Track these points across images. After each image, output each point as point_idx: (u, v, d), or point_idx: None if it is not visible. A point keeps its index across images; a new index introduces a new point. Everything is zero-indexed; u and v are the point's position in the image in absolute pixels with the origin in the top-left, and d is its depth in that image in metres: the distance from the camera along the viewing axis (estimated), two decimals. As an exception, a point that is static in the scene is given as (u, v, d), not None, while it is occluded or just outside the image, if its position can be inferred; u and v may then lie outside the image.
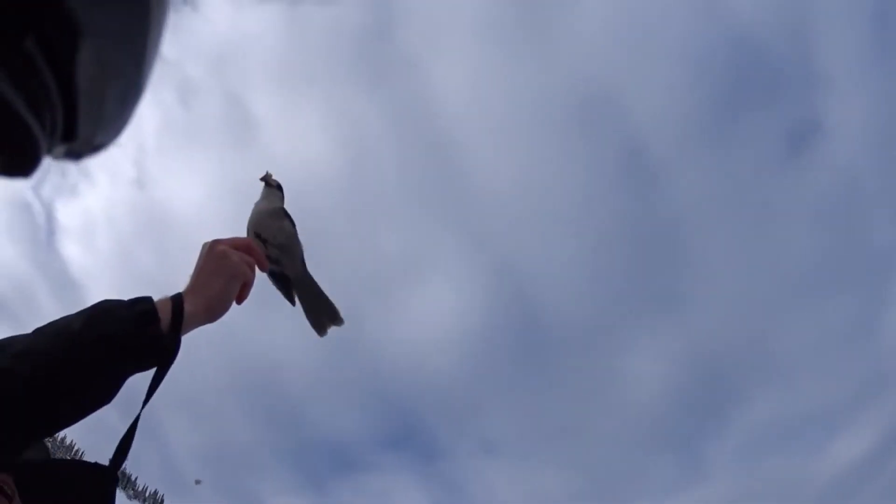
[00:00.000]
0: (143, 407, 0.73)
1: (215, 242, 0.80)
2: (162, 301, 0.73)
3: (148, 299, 0.72)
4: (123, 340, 0.67)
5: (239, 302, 0.81)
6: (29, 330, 0.67)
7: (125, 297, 0.72)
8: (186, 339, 0.75)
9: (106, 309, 0.69)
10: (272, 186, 1.04)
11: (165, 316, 0.71)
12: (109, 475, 0.68)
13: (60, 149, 0.21)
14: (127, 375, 0.69)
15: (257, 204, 1.02)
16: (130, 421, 0.73)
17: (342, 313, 1.01)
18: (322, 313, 1.01)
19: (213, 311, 0.77)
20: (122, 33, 0.21)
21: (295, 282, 1.01)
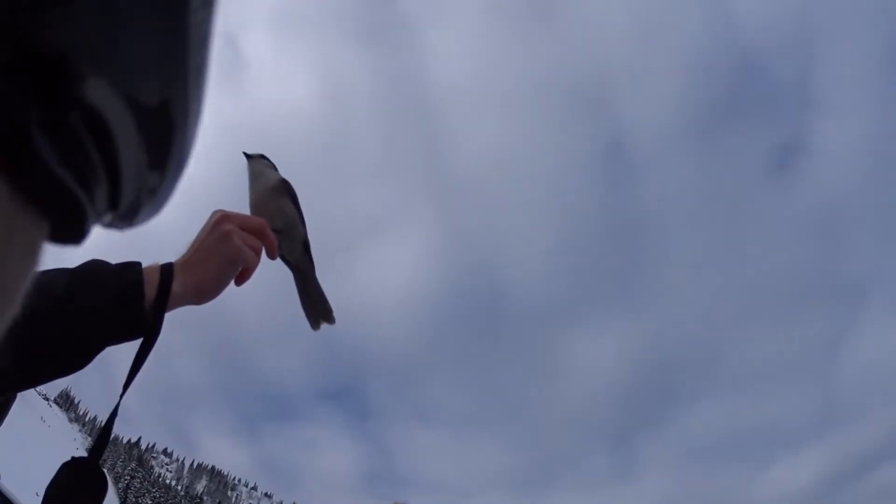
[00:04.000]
0: (123, 391, 0.67)
1: (224, 218, 0.72)
2: (151, 270, 0.67)
3: (136, 268, 0.66)
4: (104, 313, 0.62)
5: (237, 285, 0.75)
6: None
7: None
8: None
9: (92, 274, 0.64)
10: (255, 157, 0.95)
11: (151, 290, 0.65)
12: (91, 468, 0.61)
13: (107, 217, 0.21)
14: (103, 347, 0.64)
15: (253, 179, 0.93)
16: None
17: (335, 312, 0.96)
18: (314, 307, 0.95)
19: (202, 295, 0.71)
20: (161, 106, 0.22)
21: (293, 267, 0.95)
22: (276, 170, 0.96)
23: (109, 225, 0.22)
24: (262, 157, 0.96)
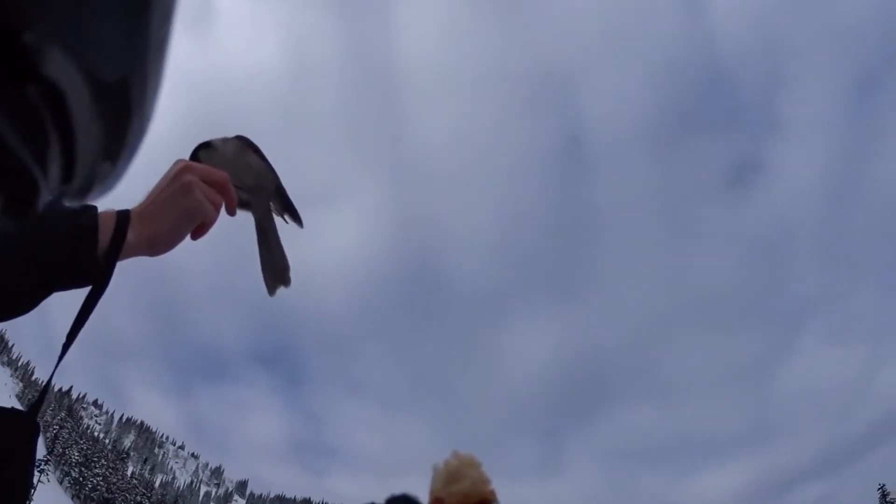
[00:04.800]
0: (67, 343, 0.62)
1: (185, 169, 0.69)
2: (106, 216, 0.64)
3: (92, 212, 0.63)
4: (55, 256, 0.60)
5: (193, 239, 0.71)
6: None
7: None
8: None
9: (44, 215, 0.57)
10: (202, 148, 0.85)
11: (105, 237, 0.63)
12: (27, 423, 0.58)
13: (60, 191, 0.21)
14: (50, 293, 0.61)
15: (210, 155, 0.83)
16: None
17: (291, 273, 0.90)
18: (273, 267, 0.90)
19: (156, 247, 0.68)
20: (120, 82, 0.21)
21: (256, 224, 0.89)
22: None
23: (59, 198, 0.22)
24: (207, 143, 0.87)
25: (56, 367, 0.64)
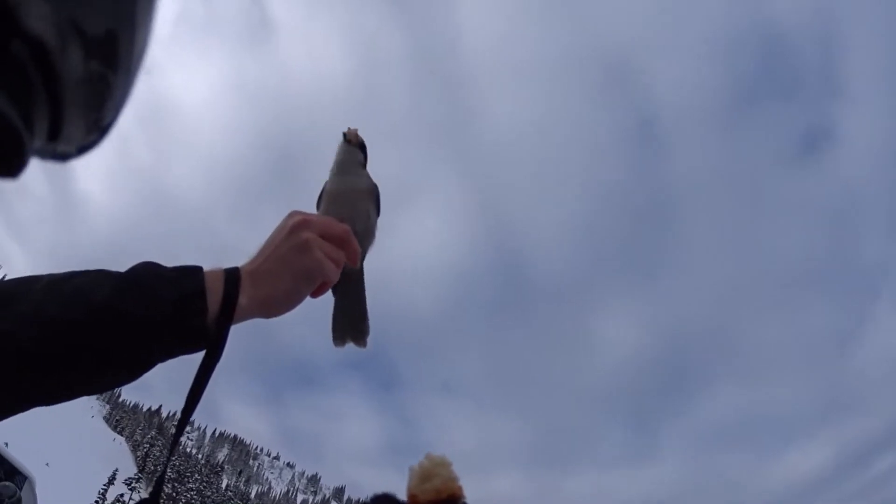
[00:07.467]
0: (184, 417, 0.58)
1: (303, 223, 0.62)
2: (213, 277, 0.58)
3: (197, 275, 0.57)
4: (159, 328, 0.54)
5: (314, 297, 0.66)
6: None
7: (163, 265, 0.57)
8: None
9: (144, 281, 0.55)
10: (353, 145, 0.84)
11: (214, 302, 0.56)
12: None
13: (46, 149, 0.20)
14: (156, 363, 0.56)
15: (341, 169, 0.83)
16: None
17: (368, 337, 0.85)
18: (351, 323, 0.84)
19: (271, 310, 0.62)
20: (108, 35, 0.20)
21: (345, 276, 0.75)
22: (365, 163, 0.86)
23: (48, 157, 0.21)
24: (363, 146, 0.86)
25: (176, 440, 0.62)
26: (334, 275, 0.63)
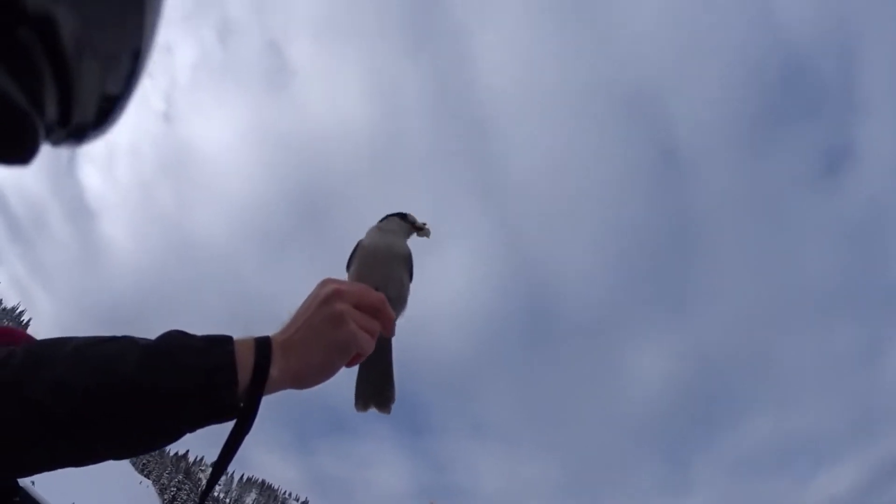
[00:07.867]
0: (214, 477, 0.58)
1: (336, 294, 0.60)
2: (243, 347, 0.56)
3: (226, 346, 0.55)
4: (187, 400, 0.53)
5: (347, 367, 0.64)
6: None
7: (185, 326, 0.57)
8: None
9: (171, 353, 0.54)
10: (417, 231, 0.91)
11: (245, 374, 0.55)
12: None
13: (57, 135, 0.20)
14: (185, 433, 0.55)
15: (383, 228, 0.89)
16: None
17: (392, 404, 0.86)
18: (375, 390, 0.85)
19: (303, 383, 0.60)
20: (117, 21, 0.20)
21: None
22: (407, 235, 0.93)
23: (58, 142, 0.20)
24: (403, 215, 0.92)
25: (205, 496, 0.62)
26: (369, 346, 0.61)
